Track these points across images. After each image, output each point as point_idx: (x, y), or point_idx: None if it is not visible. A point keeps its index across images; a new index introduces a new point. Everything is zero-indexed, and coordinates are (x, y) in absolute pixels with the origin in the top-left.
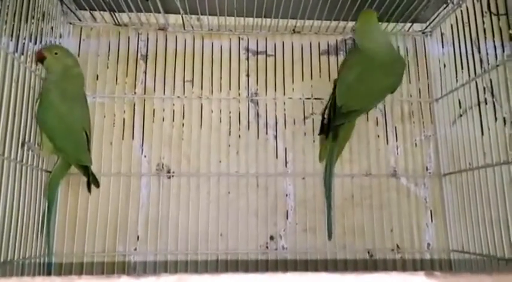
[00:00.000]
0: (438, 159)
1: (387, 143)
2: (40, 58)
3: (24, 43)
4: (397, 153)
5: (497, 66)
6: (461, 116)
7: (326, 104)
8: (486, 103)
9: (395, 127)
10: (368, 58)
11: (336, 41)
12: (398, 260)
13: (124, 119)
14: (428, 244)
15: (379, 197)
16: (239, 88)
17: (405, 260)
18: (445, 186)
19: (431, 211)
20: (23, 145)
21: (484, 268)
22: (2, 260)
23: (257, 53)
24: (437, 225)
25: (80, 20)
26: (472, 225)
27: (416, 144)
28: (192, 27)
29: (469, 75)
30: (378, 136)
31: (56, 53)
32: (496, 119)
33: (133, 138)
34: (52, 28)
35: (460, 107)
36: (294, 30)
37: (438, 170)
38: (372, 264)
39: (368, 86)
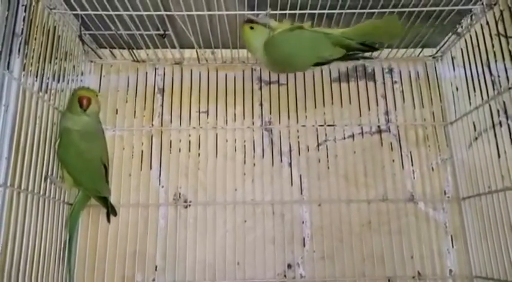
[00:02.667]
0: (456, 183)
1: (403, 167)
2: (88, 104)
3: (48, 82)
4: (414, 178)
5: (510, 88)
6: (476, 138)
7: None
8: (501, 125)
9: (411, 151)
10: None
11: (347, 68)
12: None
13: (142, 151)
14: (451, 270)
15: (398, 222)
16: (253, 117)
17: None
18: (465, 210)
19: (451, 236)
20: (45, 179)
21: None
22: None
23: (270, 82)
24: (459, 251)
25: (100, 58)
26: (495, 250)
27: (433, 168)
28: (207, 60)
29: (482, 98)
30: (393, 161)
31: (96, 95)
32: (511, 140)
33: (151, 168)
34: (74, 67)
35: (475, 129)
36: None
37: (457, 193)
38: None
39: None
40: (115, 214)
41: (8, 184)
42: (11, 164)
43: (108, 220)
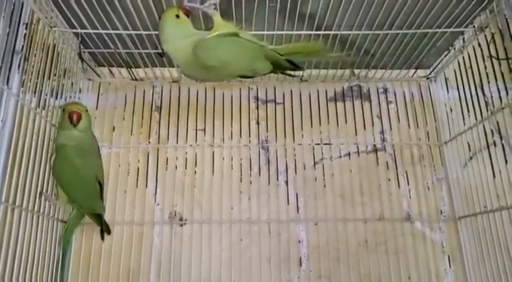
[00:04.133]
0: (452, 202)
1: (399, 186)
2: (78, 119)
3: (46, 98)
4: (410, 197)
5: (503, 108)
6: (471, 158)
7: None
8: (495, 145)
9: (406, 171)
10: None
11: (343, 88)
12: None
13: (138, 168)
14: None
15: (395, 242)
16: (250, 135)
17: None
18: (461, 230)
19: (449, 256)
20: (40, 195)
21: None
22: None
23: (266, 101)
24: (456, 271)
25: (98, 76)
26: (492, 270)
27: (428, 188)
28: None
29: (476, 118)
30: (389, 179)
31: (86, 111)
32: (506, 161)
33: (146, 186)
34: (72, 84)
35: (470, 149)
36: (301, 78)
37: (453, 213)
38: None
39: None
40: (109, 232)
41: (3, 200)
42: (6, 179)
43: (102, 238)
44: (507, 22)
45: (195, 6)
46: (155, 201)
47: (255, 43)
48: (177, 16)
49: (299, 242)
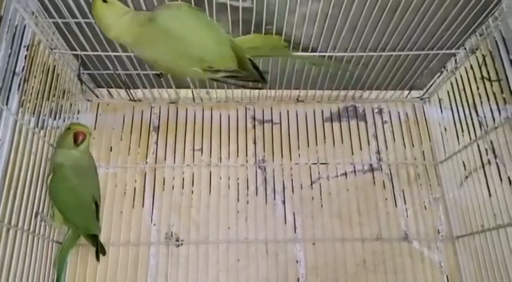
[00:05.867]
0: (449, 221)
1: (396, 205)
2: (83, 139)
3: (44, 119)
4: (407, 216)
5: (496, 127)
6: (467, 177)
7: None
8: (490, 164)
9: (403, 190)
10: None
11: (338, 108)
12: None
13: (135, 188)
14: None
15: (393, 262)
16: (247, 155)
17: None
18: (459, 250)
19: (447, 276)
20: (36, 216)
21: None
22: None
23: (263, 121)
24: None
25: (97, 96)
26: None
27: (425, 207)
28: (202, 99)
29: (470, 138)
30: (386, 199)
31: (90, 134)
32: (501, 179)
33: (143, 206)
34: (71, 105)
35: (465, 169)
36: (297, 99)
37: (450, 232)
38: None
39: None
40: (104, 253)
41: None
42: (2, 199)
43: (97, 258)
44: (497, 44)
45: None
46: (151, 222)
47: (220, 29)
48: (104, 1)
49: (297, 262)
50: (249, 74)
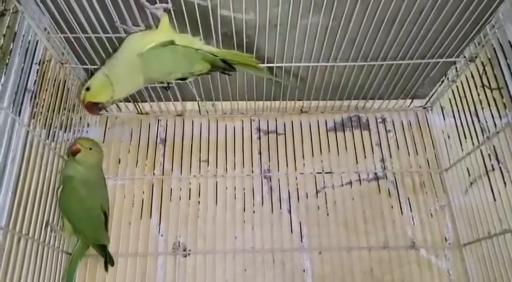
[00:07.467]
0: (456, 229)
1: (402, 213)
2: (75, 152)
3: (55, 131)
4: (414, 224)
5: (498, 132)
6: (472, 184)
7: None
8: (493, 169)
9: (409, 198)
10: None
11: (342, 118)
12: None
13: (142, 200)
14: None
15: (400, 270)
16: (252, 165)
17: None
18: (467, 257)
19: None
20: (46, 226)
21: None
22: None
23: (268, 132)
24: None
25: (106, 110)
26: None
27: (432, 215)
28: (207, 112)
29: (473, 144)
30: (392, 207)
31: (90, 148)
32: (505, 183)
33: (150, 217)
34: (81, 118)
35: (470, 175)
36: (301, 110)
37: (457, 240)
38: None
39: None
40: (112, 263)
41: (10, 228)
42: (14, 207)
43: (106, 269)
44: (495, 52)
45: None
46: (159, 232)
47: (191, 48)
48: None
49: (303, 271)
50: (220, 68)
